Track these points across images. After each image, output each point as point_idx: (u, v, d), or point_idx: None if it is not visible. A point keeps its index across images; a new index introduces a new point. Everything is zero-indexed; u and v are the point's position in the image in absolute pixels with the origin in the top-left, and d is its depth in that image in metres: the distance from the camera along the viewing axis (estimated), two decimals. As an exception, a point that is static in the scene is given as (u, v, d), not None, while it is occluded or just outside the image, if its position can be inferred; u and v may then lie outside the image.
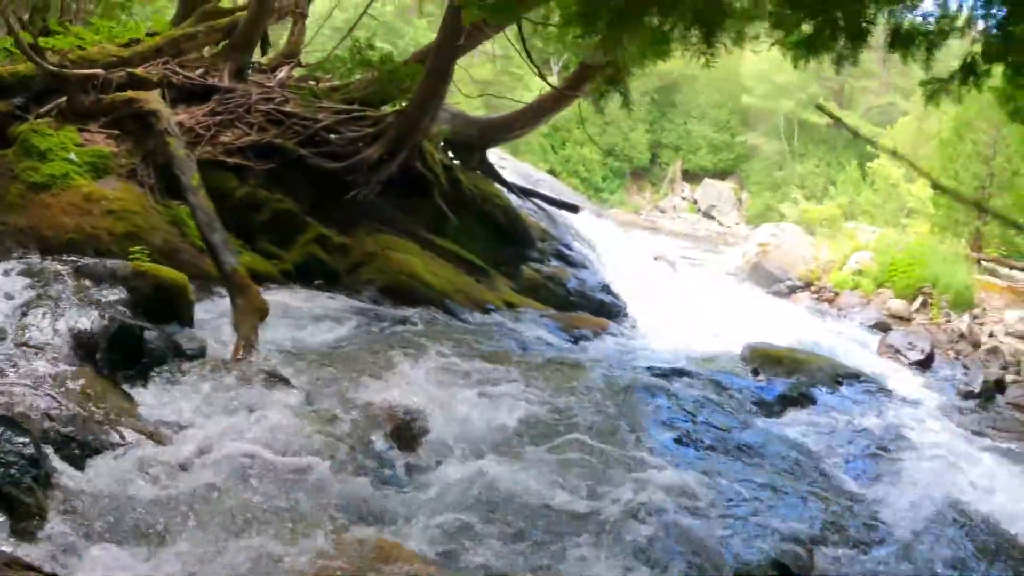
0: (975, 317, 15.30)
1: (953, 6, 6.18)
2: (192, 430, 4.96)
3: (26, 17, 12.97)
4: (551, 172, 41.93)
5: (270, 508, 4.17)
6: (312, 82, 11.93)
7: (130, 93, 9.77)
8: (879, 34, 6.01)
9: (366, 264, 9.71)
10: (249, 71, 11.81)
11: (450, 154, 12.49)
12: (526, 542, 4.37)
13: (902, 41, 5.98)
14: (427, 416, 5.68)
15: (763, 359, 9.47)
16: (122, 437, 4.65)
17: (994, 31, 5.94)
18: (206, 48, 11.90)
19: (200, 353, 6.21)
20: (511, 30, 11.15)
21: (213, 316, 7.30)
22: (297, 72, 12.47)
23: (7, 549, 3.39)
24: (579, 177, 46.10)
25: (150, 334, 5.97)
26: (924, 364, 11.89)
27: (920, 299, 16.20)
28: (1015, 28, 5.72)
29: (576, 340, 9.59)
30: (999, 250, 20.75)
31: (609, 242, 14.67)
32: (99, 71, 9.97)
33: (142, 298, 6.62)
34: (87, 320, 5.84)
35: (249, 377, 5.82)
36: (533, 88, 25.39)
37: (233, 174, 9.70)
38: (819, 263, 19.03)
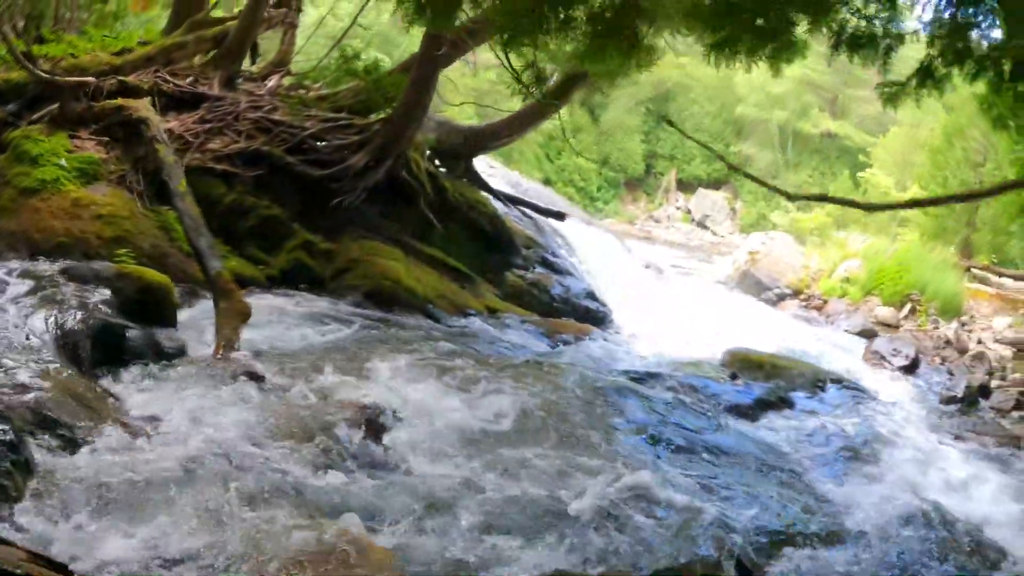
0: (963, 324, 15.34)
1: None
2: (166, 422, 5.12)
3: (21, 25, 13.11)
4: (546, 182, 41.99)
5: (236, 496, 4.27)
6: (302, 91, 12.03)
7: (120, 101, 9.97)
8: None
9: (351, 270, 9.87)
10: (239, 80, 11.94)
11: (436, 162, 12.58)
12: (488, 535, 4.46)
13: (854, 45, 6.07)
14: (398, 412, 5.80)
15: (742, 364, 9.54)
16: (100, 428, 4.81)
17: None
18: (197, 57, 12.07)
19: (180, 352, 6.41)
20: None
21: (198, 318, 7.50)
22: (287, 81, 12.56)
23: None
24: (575, 187, 46.15)
25: (132, 333, 6.21)
26: (909, 370, 11.92)
27: (908, 306, 16.24)
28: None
29: (557, 345, 9.73)
30: (990, 258, 20.78)
31: (598, 250, 14.74)
32: (90, 79, 10.12)
33: (126, 299, 6.75)
34: (71, 319, 5.96)
35: (226, 374, 5.99)
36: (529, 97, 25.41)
37: (221, 181, 9.88)
38: (809, 271, 19.06)
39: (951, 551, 5.38)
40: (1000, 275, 19.16)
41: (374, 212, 10.69)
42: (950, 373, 12.02)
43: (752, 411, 8.00)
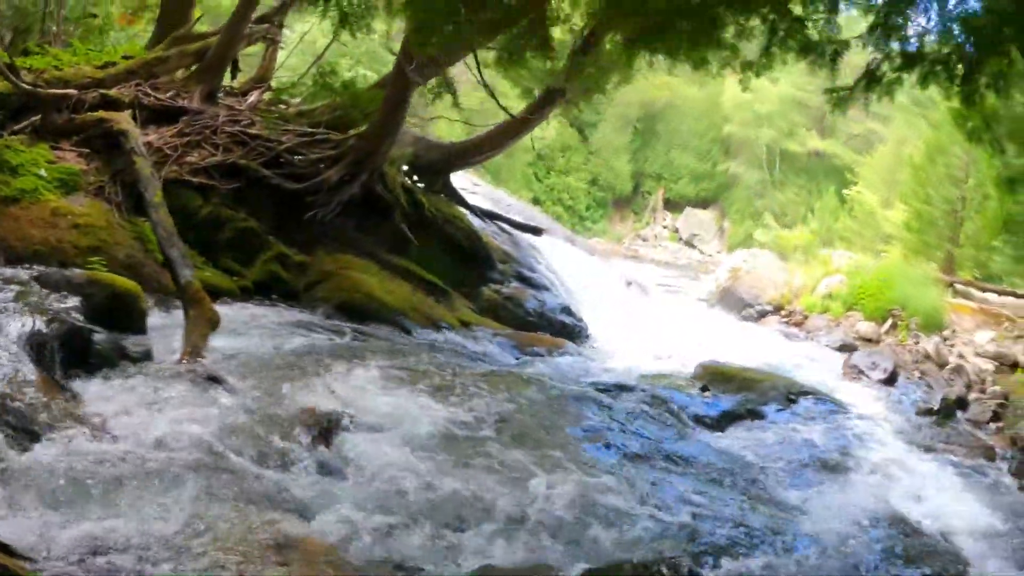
0: (945, 339, 15.34)
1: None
2: (123, 421, 5.22)
3: (8, 39, 13.20)
4: (535, 200, 42.07)
5: (182, 492, 4.39)
6: (282, 106, 12.12)
7: (101, 113, 10.14)
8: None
9: (323, 282, 9.97)
10: (221, 94, 12.10)
11: (414, 177, 12.64)
12: (429, 534, 4.55)
13: (806, 50, 6.10)
14: (355, 418, 5.88)
15: (714, 377, 9.54)
16: (59, 426, 4.94)
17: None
18: (179, 71, 12.21)
19: (146, 357, 6.50)
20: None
21: (170, 326, 7.57)
22: (268, 96, 12.66)
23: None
24: (563, 205, 46.21)
25: (99, 338, 6.31)
26: (886, 383, 11.90)
27: (890, 321, 16.25)
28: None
29: (527, 357, 9.78)
30: (973, 273, 20.81)
31: (577, 266, 14.81)
32: (72, 91, 10.32)
33: (96, 305, 6.83)
34: (41, 323, 6.01)
35: (188, 379, 6.08)
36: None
37: (198, 193, 10.04)
38: (791, 288, 19.06)
39: (911, 559, 5.45)
40: (983, 290, 19.20)
41: (349, 226, 10.83)
42: (928, 386, 12.00)
43: (719, 423, 8.03)
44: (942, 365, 13.42)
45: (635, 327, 13.16)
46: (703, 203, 49.61)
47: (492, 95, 9.10)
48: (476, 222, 12.92)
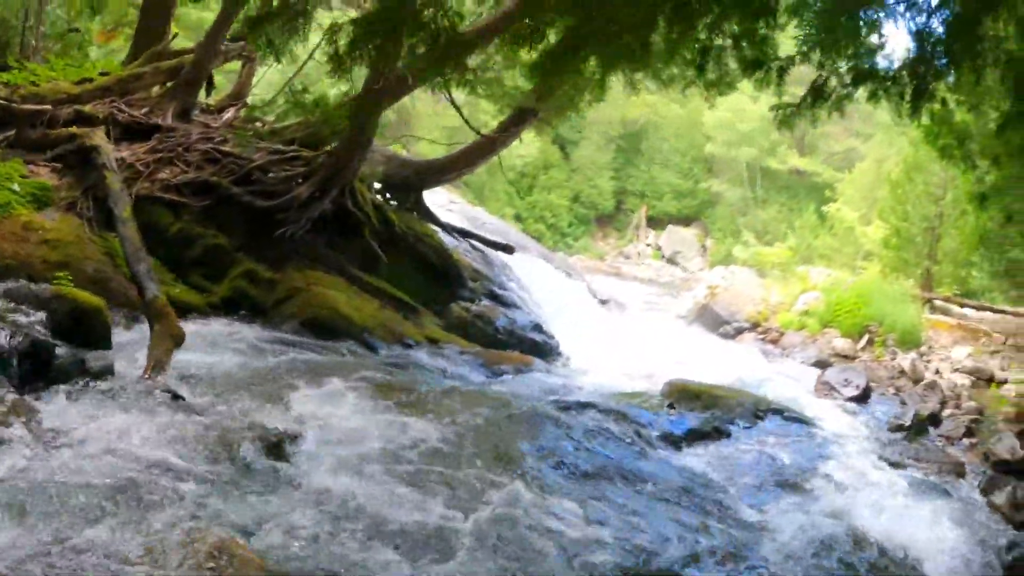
0: (922, 354, 15.37)
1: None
2: (75, 434, 5.24)
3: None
4: (517, 218, 42.11)
5: (124, 502, 4.45)
6: (257, 123, 12.14)
7: (75, 129, 10.23)
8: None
9: (292, 298, 9.95)
10: (196, 111, 12.19)
11: (387, 195, 12.64)
12: (369, 551, 4.54)
13: (751, 68, 6.06)
14: (307, 433, 5.91)
15: (681, 394, 9.48)
16: (14, 440, 4.99)
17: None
18: (155, 88, 12.32)
19: (107, 372, 6.50)
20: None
21: (136, 341, 7.59)
22: (243, 113, 12.68)
23: None
24: (545, 223, 46.24)
25: (60, 352, 6.33)
26: (860, 400, 11.88)
27: (866, 338, 16.27)
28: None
29: (495, 375, 9.74)
30: (951, 289, 20.86)
31: (551, 284, 14.84)
32: (47, 107, 10.44)
33: (59, 319, 6.87)
34: (3, 337, 6.05)
35: (146, 394, 6.15)
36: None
37: (169, 209, 10.11)
38: (768, 305, 19.08)
39: (867, 573, 5.33)
40: (962, 306, 19.25)
41: (320, 243, 10.88)
42: (902, 402, 11.99)
43: (683, 441, 7.97)
44: (917, 381, 13.42)
45: (610, 345, 13.14)
46: (685, 220, 49.75)
47: (460, 113, 9.07)
48: (449, 240, 12.93)
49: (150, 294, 7.73)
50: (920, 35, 5.86)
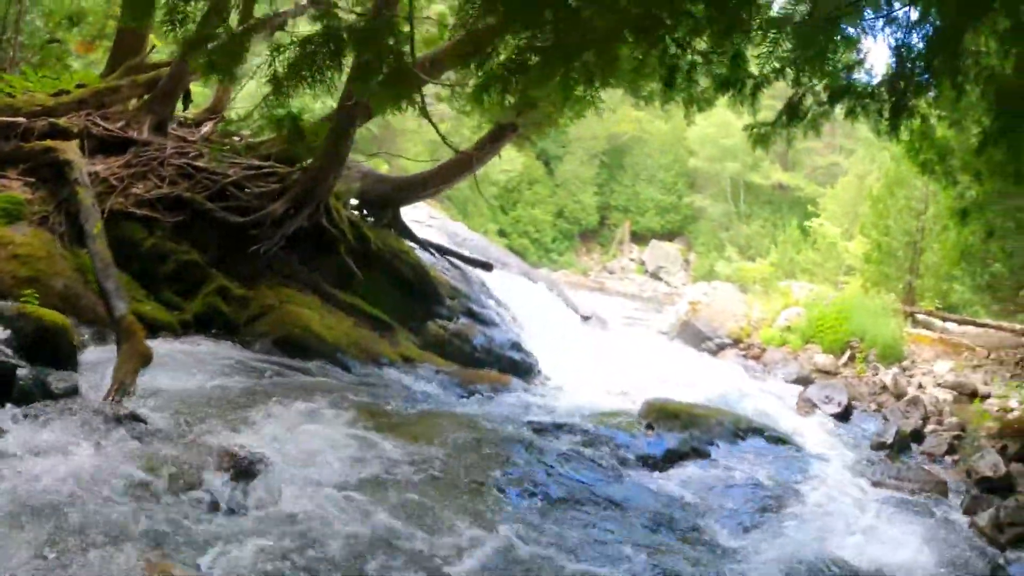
0: (904, 369, 15.35)
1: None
2: (33, 459, 5.08)
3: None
4: (501, 233, 42.09)
5: (67, 528, 4.32)
6: (235, 138, 12.03)
7: (48, 142, 10.06)
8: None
9: (264, 316, 9.81)
10: (173, 125, 12.05)
11: (364, 211, 12.53)
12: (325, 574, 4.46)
13: (725, 86, 5.95)
14: (272, 457, 5.72)
15: (659, 414, 9.34)
16: None
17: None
18: (132, 101, 12.16)
19: (71, 392, 6.38)
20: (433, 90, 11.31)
21: (104, 360, 7.37)
22: (221, 127, 12.57)
23: None
24: (529, 238, 46.31)
25: (22, 372, 6.18)
26: (841, 416, 11.83)
27: (848, 353, 16.24)
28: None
29: (470, 395, 9.63)
30: (933, 303, 20.87)
31: (531, 301, 14.73)
32: (21, 119, 10.33)
33: (24, 338, 6.72)
34: None
35: (108, 417, 5.91)
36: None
37: (142, 225, 9.92)
38: (750, 320, 19.03)
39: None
40: (944, 320, 19.26)
41: (294, 259, 10.72)
42: (884, 418, 11.92)
43: (660, 462, 7.84)
44: (899, 396, 13.39)
45: (590, 362, 13.03)
46: (669, 236, 49.95)
47: (437, 130, 8.96)
48: (427, 257, 12.79)
49: (118, 312, 7.59)
50: (899, 50, 5.75)
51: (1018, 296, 15.77)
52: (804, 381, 14.40)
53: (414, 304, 11.74)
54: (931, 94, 6.29)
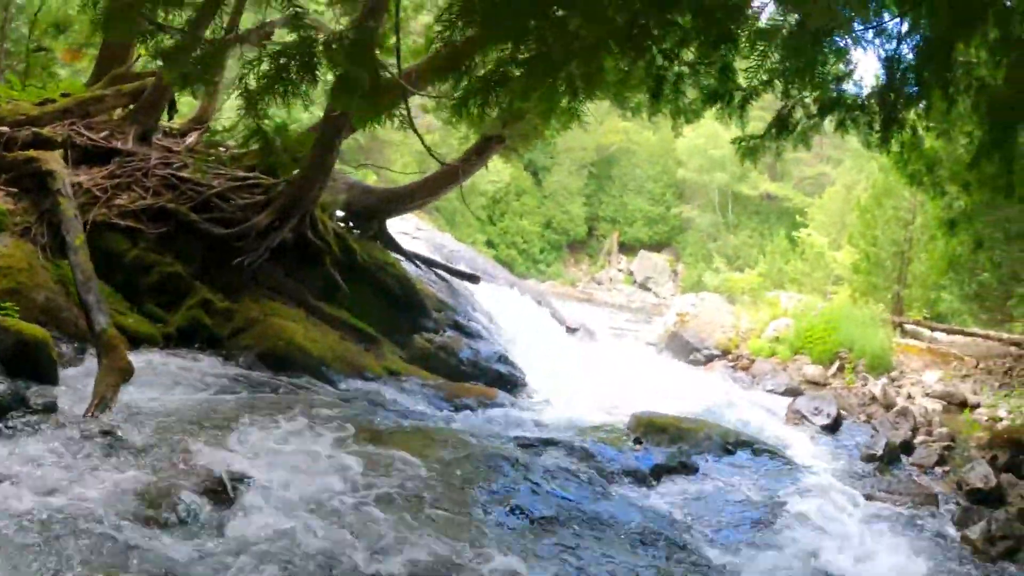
0: (893, 379, 15.32)
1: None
2: (4, 477, 5.00)
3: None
4: (489, 244, 42.03)
5: (46, 553, 4.23)
6: (221, 149, 11.95)
7: (31, 152, 9.96)
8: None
9: (248, 329, 9.69)
10: (159, 135, 11.99)
11: (350, 223, 12.47)
12: None
13: (712, 98, 5.88)
14: (252, 475, 5.66)
15: (647, 428, 9.27)
16: None
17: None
18: (117, 111, 12.12)
19: (49, 408, 6.25)
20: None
21: (85, 374, 7.32)
22: (206, 138, 12.50)
23: None
24: (517, 249, 46.31)
25: (0, 386, 6.14)
26: (831, 428, 11.75)
27: (837, 364, 16.20)
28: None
29: (456, 409, 9.55)
30: (921, 313, 20.89)
31: (518, 313, 14.69)
32: (4, 129, 10.26)
33: (3, 352, 6.67)
34: None
35: (86, 434, 5.87)
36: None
37: (125, 236, 9.82)
38: (738, 331, 19.00)
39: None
40: (932, 329, 19.26)
41: (279, 272, 10.65)
42: (874, 430, 11.85)
43: (648, 477, 7.76)
44: (889, 407, 13.34)
45: (577, 375, 12.95)
46: (657, 246, 50.01)
47: (422, 140, 8.86)
48: (413, 269, 12.75)
49: (99, 326, 7.50)
50: (890, 62, 5.68)
51: (1006, 305, 15.74)
52: (793, 392, 14.35)
53: (400, 317, 11.68)
54: (922, 105, 6.22)
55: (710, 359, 18.05)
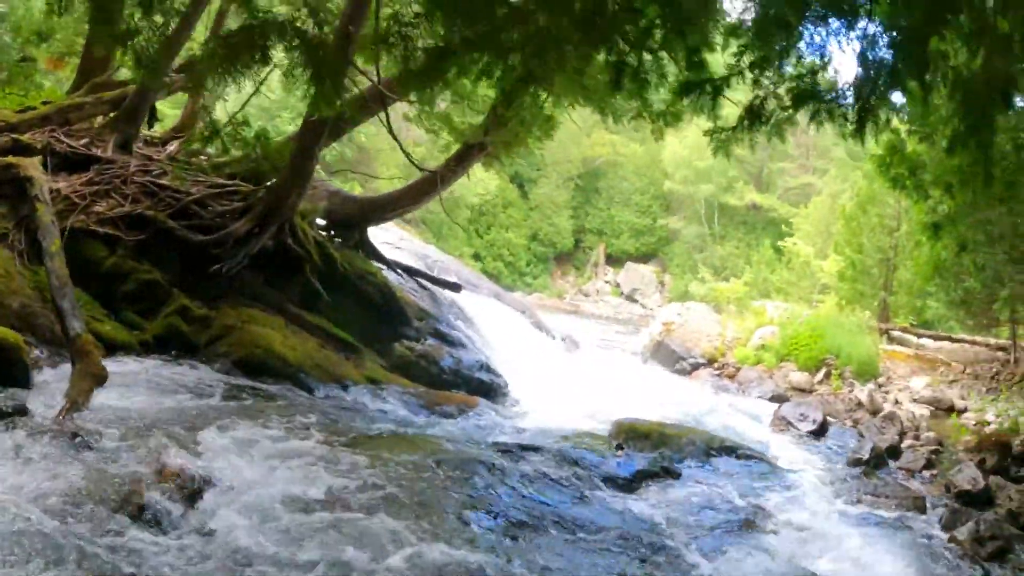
0: (880, 385, 15.32)
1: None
2: None
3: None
4: (476, 256, 41.96)
5: (8, 560, 4.13)
6: (202, 157, 11.89)
7: (10, 158, 9.90)
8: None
9: (225, 337, 9.62)
10: (140, 143, 11.92)
11: (331, 231, 12.38)
12: None
13: (685, 90, 5.80)
14: (219, 478, 5.60)
15: (629, 434, 9.21)
16: None
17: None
18: (97, 118, 12.06)
19: (19, 412, 6.17)
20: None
21: (58, 379, 7.25)
22: (188, 146, 12.43)
23: None
24: (503, 261, 46.24)
25: None
26: (817, 434, 11.72)
27: (823, 371, 16.18)
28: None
29: (435, 417, 9.50)
30: (908, 319, 20.90)
31: (501, 323, 14.65)
32: None
33: None
34: None
35: (55, 437, 5.79)
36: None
37: (103, 243, 9.78)
38: (724, 340, 18.95)
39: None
40: (919, 336, 19.27)
41: (258, 279, 10.60)
42: (860, 435, 11.81)
43: (630, 483, 7.68)
44: (875, 412, 13.34)
45: (561, 384, 12.87)
46: (644, 258, 50.02)
47: (401, 147, 8.80)
48: (395, 278, 12.70)
49: (73, 331, 7.44)
50: (864, 53, 5.61)
51: (991, 310, 15.71)
52: (779, 399, 14.32)
53: (381, 325, 11.61)
54: (897, 94, 6.15)
55: (696, 368, 18.01)
